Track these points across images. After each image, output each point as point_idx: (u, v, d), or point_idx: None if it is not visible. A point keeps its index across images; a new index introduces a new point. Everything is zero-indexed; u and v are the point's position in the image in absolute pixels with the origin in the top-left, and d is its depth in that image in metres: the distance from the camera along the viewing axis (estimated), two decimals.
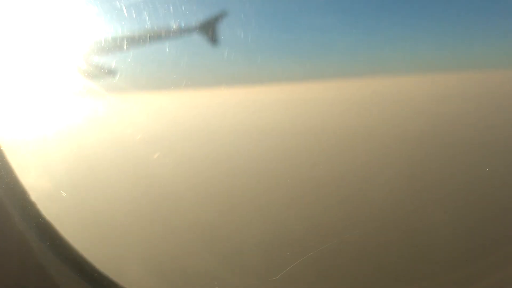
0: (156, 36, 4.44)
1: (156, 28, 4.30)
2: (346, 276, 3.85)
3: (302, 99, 9.61)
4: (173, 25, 4.57)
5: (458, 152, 6.89)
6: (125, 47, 4.26)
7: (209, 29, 5.45)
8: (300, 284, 3.61)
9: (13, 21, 3.71)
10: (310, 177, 6.17)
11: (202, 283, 3.45)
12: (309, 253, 3.83)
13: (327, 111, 9.27)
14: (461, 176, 5.94)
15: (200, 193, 5.49)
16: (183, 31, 5.01)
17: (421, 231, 4.35)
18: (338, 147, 7.52)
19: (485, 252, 3.80)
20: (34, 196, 1.82)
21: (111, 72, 4.64)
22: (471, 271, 3.38)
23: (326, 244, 4.20)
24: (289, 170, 6.52)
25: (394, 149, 7.05)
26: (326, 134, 8.24)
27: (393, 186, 5.56)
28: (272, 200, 5.45)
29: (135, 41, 4.29)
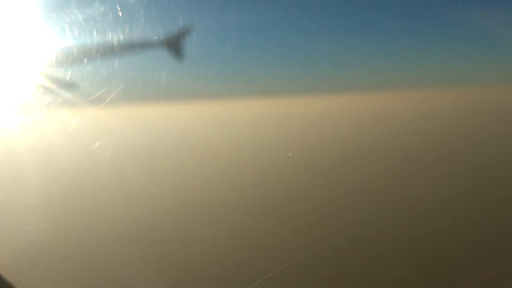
0: (123, 49, 4.40)
1: (122, 41, 4.26)
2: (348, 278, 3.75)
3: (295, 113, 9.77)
4: (140, 38, 4.56)
5: (463, 160, 6.83)
6: (86, 60, 4.23)
7: (175, 43, 5.43)
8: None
9: None
10: (307, 185, 6.11)
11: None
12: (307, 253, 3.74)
13: (314, 125, 9.36)
14: (461, 185, 5.92)
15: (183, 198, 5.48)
16: (149, 45, 4.99)
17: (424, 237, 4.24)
18: (332, 156, 7.48)
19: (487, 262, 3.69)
20: None
21: (72, 85, 4.58)
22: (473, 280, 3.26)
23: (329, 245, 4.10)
24: (284, 175, 6.46)
25: (400, 157, 6.99)
26: (316, 146, 8.26)
27: (394, 195, 5.49)
28: (272, 207, 5.41)
29: (98, 54, 4.24)
